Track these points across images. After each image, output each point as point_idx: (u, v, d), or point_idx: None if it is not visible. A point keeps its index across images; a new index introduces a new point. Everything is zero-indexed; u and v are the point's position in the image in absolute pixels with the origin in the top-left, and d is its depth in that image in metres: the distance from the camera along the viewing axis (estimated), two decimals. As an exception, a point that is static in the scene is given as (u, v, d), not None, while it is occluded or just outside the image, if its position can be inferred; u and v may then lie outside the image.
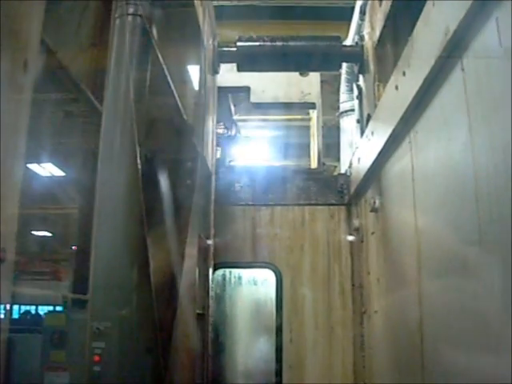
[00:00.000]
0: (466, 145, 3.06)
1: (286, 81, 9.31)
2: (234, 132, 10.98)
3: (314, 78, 9.45)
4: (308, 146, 11.03)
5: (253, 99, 9.26)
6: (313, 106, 9.67)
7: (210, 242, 6.47)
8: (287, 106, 9.88)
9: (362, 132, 6.57)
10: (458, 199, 3.27)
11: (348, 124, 9.05)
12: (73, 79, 2.59)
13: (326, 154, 10.50)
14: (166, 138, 4.69)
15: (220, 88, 7.98)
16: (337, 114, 9.55)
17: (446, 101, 3.43)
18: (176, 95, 4.29)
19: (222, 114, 9.53)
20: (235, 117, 11.05)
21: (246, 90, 9.16)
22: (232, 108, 10.51)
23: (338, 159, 9.64)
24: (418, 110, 3.91)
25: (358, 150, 6.57)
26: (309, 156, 10.94)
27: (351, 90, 8.55)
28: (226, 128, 10.56)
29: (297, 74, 9.11)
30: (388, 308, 5.34)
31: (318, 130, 9.87)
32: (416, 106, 3.93)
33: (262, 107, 9.86)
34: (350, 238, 7.16)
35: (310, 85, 9.44)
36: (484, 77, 2.86)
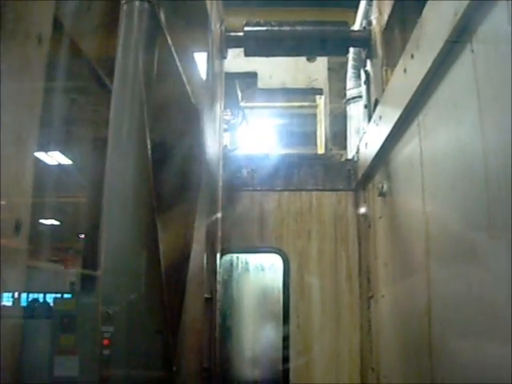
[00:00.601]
0: (475, 126, 3.05)
1: (293, 66, 9.27)
2: (240, 119, 10.97)
3: (322, 63, 9.43)
4: (314, 134, 11.03)
5: (260, 85, 9.24)
6: (320, 91, 9.65)
7: (217, 227, 6.48)
8: (294, 92, 9.85)
9: (370, 117, 6.56)
10: (467, 182, 3.26)
11: (355, 111, 9.04)
12: (84, 57, 2.60)
13: (333, 142, 10.50)
14: (174, 122, 4.69)
15: (226, 74, 7.96)
16: (344, 100, 9.53)
17: (455, 82, 3.42)
18: (184, 79, 4.29)
19: (229, 100, 9.52)
20: (242, 103, 11.04)
21: (253, 75, 9.13)
22: (239, 94, 10.49)
23: (345, 147, 9.63)
24: (427, 92, 3.90)
25: (366, 135, 6.56)
26: (315, 145, 10.93)
27: (358, 77, 8.52)
28: (232, 115, 10.55)
29: (304, 59, 9.09)
30: (395, 292, 5.35)
31: (325, 116, 9.85)
32: (425, 89, 3.91)
33: (269, 93, 9.82)
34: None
35: (317, 70, 9.41)
36: (494, 58, 2.85)
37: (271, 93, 9.68)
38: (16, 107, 1.61)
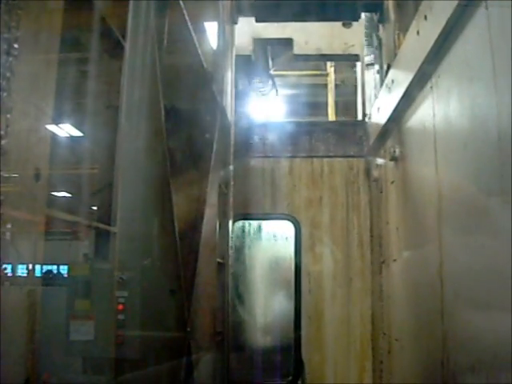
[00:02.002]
0: (489, 85, 3.02)
1: (329, 32, 8.83)
2: (270, 87, 10.54)
3: (359, 29, 8.98)
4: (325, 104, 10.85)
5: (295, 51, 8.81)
6: (356, 58, 9.22)
7: (229, 193, 6.51)
8: (330, 58, 9.60)
9: (382, 82, 6.53)
10: (480, 143, 3.23)
11: (367, 78, 8.91)
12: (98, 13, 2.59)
13: (344, 112, 10.36)
14: (187, 87, 4.68)
15: (260, 40, 7.83)
16: (354, 68, 9.37)
17: (469, 41, 3.37)
18: (196, 42, 4.27)
19: (259, 68, 9.27)
20: (272, 71, 10.53)
21: (289, 41, 8.70)
22: (270, 62, 10.02)
23: (355, 117, 9.47)
24: (441, 53, 3.86)
25: (378, 100, 6.53)
26: (326, 115, 10.77)
27: (370, 45, 8.40)
28: (261, 82, 10.19)
29: (339, 25, 8.70)
30: (407, 256, 5.37)
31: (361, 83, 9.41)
32: (438, 50, 3.87)
33: (303, 59, 9.36)
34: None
35: (353, 36, 8.91)
36: (509, 14, 2.80)
37: (307, 58, 9.25)
38: (33, 59, 1.62)
